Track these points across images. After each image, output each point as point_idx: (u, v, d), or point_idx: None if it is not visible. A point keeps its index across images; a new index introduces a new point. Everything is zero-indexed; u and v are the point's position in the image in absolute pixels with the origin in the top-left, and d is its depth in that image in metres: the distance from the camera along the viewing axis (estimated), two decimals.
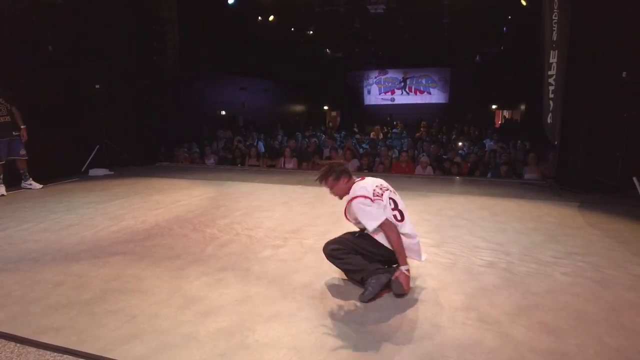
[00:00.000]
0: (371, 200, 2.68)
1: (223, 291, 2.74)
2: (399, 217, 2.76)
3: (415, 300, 2.63)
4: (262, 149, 10.20)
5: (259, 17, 12.19)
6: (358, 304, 2.57)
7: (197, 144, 10.24)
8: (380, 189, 2.80)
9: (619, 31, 5.21)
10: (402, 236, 2.68)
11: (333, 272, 3.03)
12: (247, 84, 15.67)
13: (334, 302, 2.60)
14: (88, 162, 7.45)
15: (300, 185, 6.29)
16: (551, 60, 5.48)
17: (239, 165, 8.68)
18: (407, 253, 2.71)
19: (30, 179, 6.00)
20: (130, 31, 7.83)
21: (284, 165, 8.32)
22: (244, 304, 2.57)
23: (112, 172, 7.39)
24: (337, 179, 2.81)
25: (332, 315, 2.45)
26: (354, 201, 2.69)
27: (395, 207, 2.79)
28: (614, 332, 2.29)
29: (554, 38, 5.43)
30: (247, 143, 10.75)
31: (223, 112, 14.81)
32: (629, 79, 5.14)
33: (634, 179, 5.15)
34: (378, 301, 2.61)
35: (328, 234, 3.90)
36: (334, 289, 2.78)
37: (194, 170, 7.91)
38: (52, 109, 6.75)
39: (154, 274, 3.03)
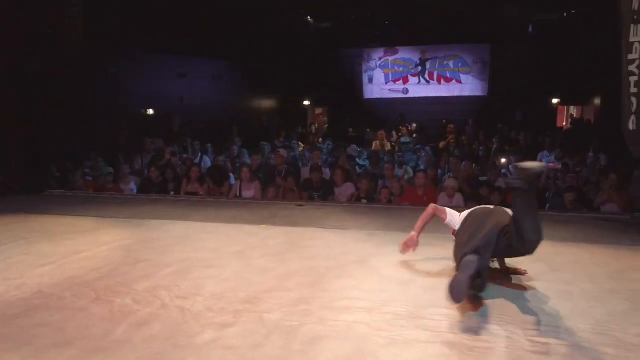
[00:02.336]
0: None
1: None
2: None
3: None
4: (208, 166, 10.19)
5: None
6: None
7: (110, 161, 10.16)
8: None
9: None
10: None
11: None
12: (189, 67, 15.66)
13: None
14: None
15: (264, 225, 6.26)
16: (632, 39, 5.65)
17: (172, 192, 8.62)
18: None
19: None
20: None
21: (240, 192, 8.31)
22: None
23: None
24: None
25: None
26: None
27: None
28: None
29: (635, 7, 5.61)
30: (185, 157, 10.71)
31: (151, 111, 14.77)
32: None
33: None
34: None
35: (303, 303, 3.89)
36: None
37: (102, 201, 7.83)
38: None
39: None
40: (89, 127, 11.28)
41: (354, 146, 12.33)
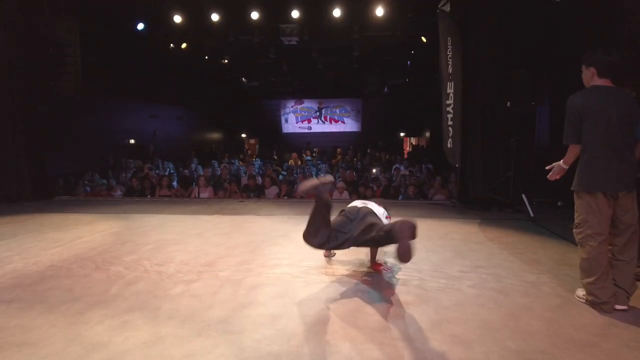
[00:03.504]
0: None
1: (129, 334, 2.50)
2: None
3: (333, 324, 2.62)
4: (174, 179, 9.74)
5: (171, 45, 11.87)
6: (272, 333, 2.49)
7: (101, 175, 9.47)
8: None
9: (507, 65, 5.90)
10: None
11: (251, 305, 2.92)
12: (159, 111, 14.99)
13: (251, 336, 2.49)
14: None
15: (216, 215, 6.07)
16: (448, 91, 6.04)
17: (149, 196, 8.17)
18: None
19: None
20: (20, 54, 7.11)
21: (198, 194, 8.00)
22: (154, 346, 2.36)
23: None
24: None
25: (248, 348, 2.35)
26: None
27: None
28: (514, 336, 2.48)
29: (450, 71, 6.00)
30: (157, 172, 10.21)
31: (132, 141, 13.97)
32: (511, 108, 5.81)
33: (523, 196, 5.77)
34: (293, 327, 2.57)
35: (245, 264, 3.80)
36: (251, 322, 2.67)
37: (97, 203, 7.27)
38: None
39: (47, 322, 2.67)
40: (87, 151, 10.46)
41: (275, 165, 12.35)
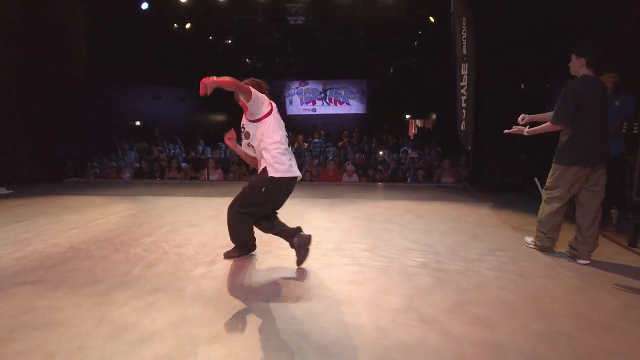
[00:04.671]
0: None
1: (156, 315, 2.53)
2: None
3: (356, 306, 2.65)
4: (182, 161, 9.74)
5: (175, 25, 11.72)
6: (298, 314, 2.53)
7: (109, 157, 9.47)
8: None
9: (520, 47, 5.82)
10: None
11: (273, 286, 2.96)
12: (163, 92, 14.91)
13: (274, 316, 2.52)
14: None
15: (227, 197, 6.05)
16: (462, 72, 5.97)
17: (158, 178, 8.19)
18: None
19: None
20: (28, 37, 7.03)
21: (208, 177, 8.02)
22: (182, 327, 2.40)
23: (11, 191, 6.54)
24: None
25: (275, 329, 2.38)
26: None
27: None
28: (537, 318, 2.50)
29: (464, 52, 5.92)
30: (165, 153, 10.21)
31: (138, 123, 13.94)
32: (525, 90, 5.76)
33: (535, 179, 5.76)
34: (318, 308, 2.60)
35: (263, 245, 3.82)
36: (272, 302, 2.70)
37: (108, 185, 7.29)
38: None
39: (73, 302, 2.71)
40: (94, 133, 10.44)
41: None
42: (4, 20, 6.73)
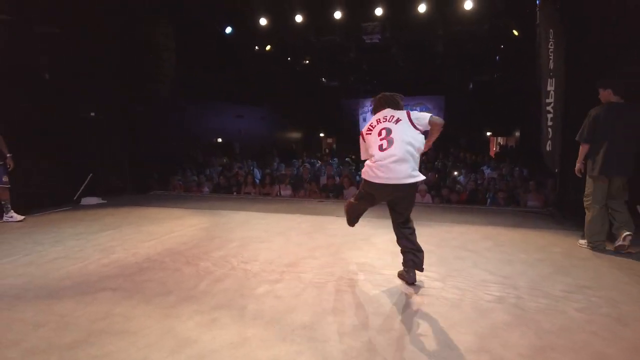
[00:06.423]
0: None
1: (217, 332, 2.56)
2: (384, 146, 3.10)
3: (423, 342, 2.45)
4: (258, 176, 10.08)
5: (256, 47, 12.32)
6: (357, 347, 2.39)
7: (192, 171, 10.10)
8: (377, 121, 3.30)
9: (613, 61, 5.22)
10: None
11: (333, 311, 2.86)
12: (244, 112, 15.72)
13: (336, 346, 2.42)
14: (80, 190, 7.28)
15: (297, 214, 6.14)
16: (549, 89, 5.48)
17: (235, 193, 8.53)
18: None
19: (12, 210, 5.70)
20: (124, 58, 7.80)
21: (280, 193, 8.19)
22: (240, 348, 2.39)
23: (105, 201, 7.22)
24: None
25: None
26: None
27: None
28: None
29: (551, 67, 5.44)
30: (243, 169, 10.65)
31: (220, 140, 14.77)
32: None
33: (638, 207, 5.05)
34: (381, 342, 2.45)
35: (327, 267, 3.76)
36: (335, 331, 2.60)
37: (188, 198, 7.75)
38: (43, 136, 6.57)
39: (144, 312, 2.84)
40: (178, 148, 11.24)
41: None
42: (104, 39, 7.49)
